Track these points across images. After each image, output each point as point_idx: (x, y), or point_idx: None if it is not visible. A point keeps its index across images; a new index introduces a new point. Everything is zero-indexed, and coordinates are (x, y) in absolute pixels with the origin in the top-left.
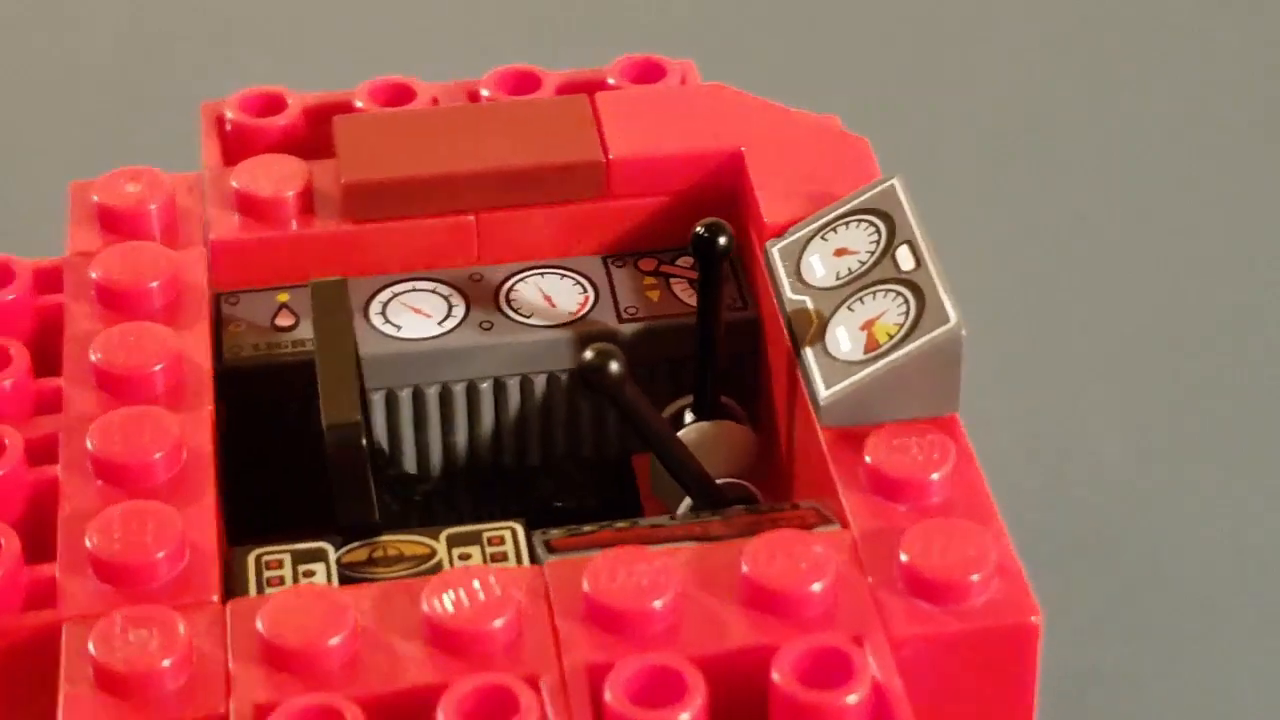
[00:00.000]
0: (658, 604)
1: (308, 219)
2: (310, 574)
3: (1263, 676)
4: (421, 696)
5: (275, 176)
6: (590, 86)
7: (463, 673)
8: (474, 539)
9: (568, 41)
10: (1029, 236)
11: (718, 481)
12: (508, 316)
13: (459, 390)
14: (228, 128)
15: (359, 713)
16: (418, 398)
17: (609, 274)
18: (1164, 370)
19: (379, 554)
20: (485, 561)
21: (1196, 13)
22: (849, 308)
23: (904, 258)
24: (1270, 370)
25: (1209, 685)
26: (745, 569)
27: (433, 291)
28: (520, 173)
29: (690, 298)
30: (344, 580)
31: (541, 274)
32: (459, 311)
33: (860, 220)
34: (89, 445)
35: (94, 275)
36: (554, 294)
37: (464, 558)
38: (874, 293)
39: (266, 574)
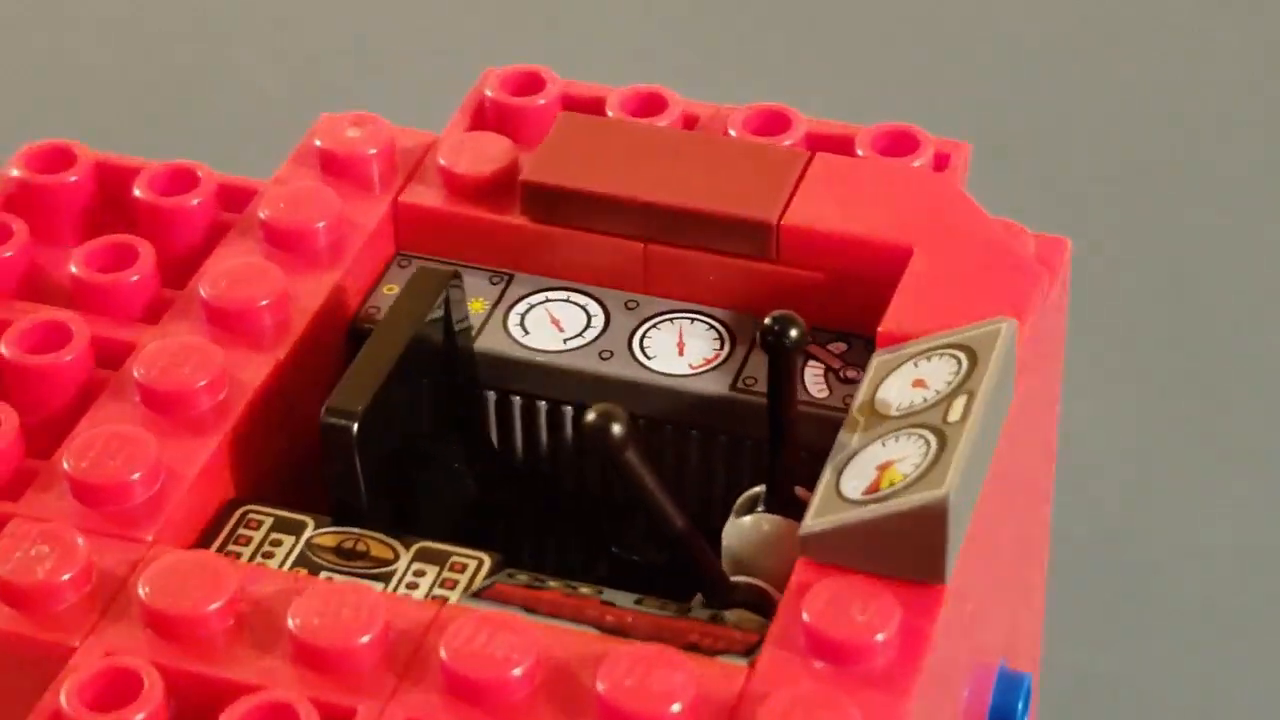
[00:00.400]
0: (504, 675)
1: (493, 204)
2: (277, 543)
3: (1263, 677)
4: (231, 690)
5: (478, 155)
6: (836, 144)
7: (281, 682)
8: (440, 559)
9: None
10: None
11: (740, 579)
12: (632, 351)
13: (567, 411)
14: (485, 104)
15: (158, 679)
16: (529, 408)
17: (754, 337)
18: (1167, 370)
19: (347, 544)
20: (435, 583)
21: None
22: (882, 442)
23: (956, 408)
24: (1271, 370)
25: (1208, 686)
26: (599, 682)
27: (581, 307)
28: (692, 214)
29: (819, 388)
30: (298, 561)
31: (691, 319)
32: (591, 334)
33: (952, 356)
34: (134, 370)
35: (262, 213)
36: (689, 341)
37: (418, 574)
38: (909, 434)
39: (239, 531)
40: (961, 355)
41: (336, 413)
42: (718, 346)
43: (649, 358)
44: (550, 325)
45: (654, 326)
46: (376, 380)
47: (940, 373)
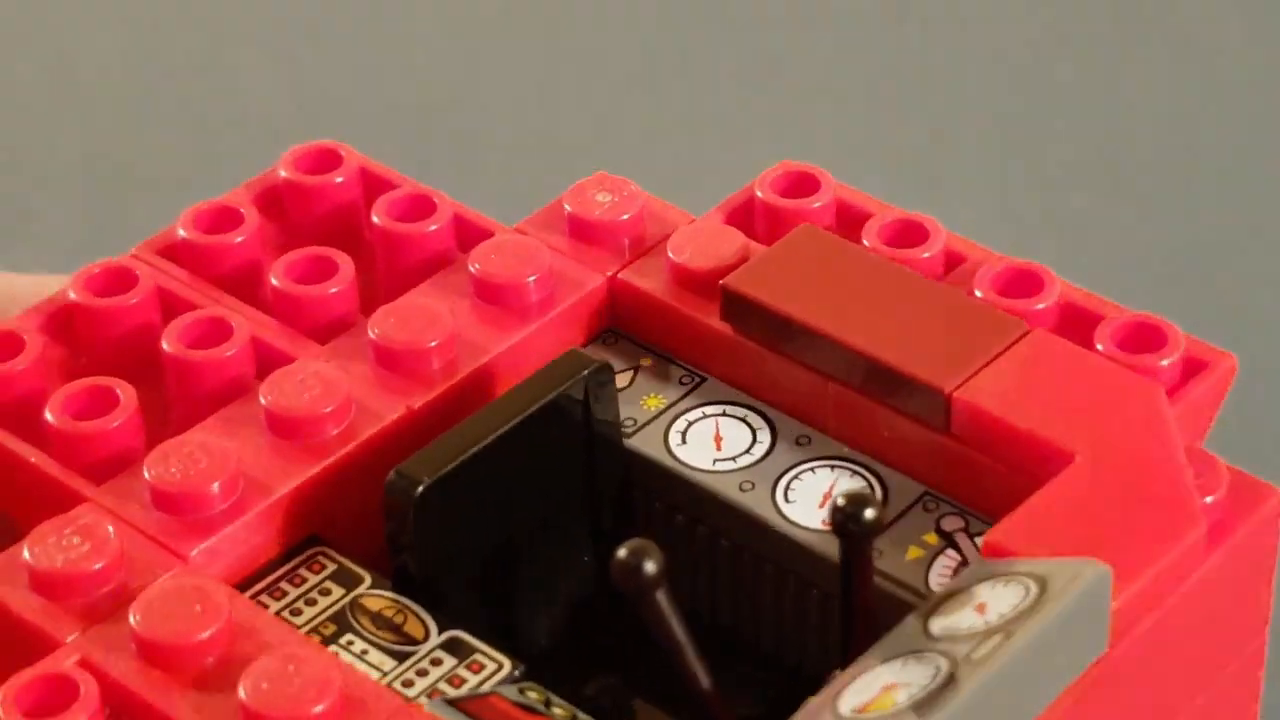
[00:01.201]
0: None
1: (702, 302)
2: (325, 592)
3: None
4: None
5: (705, 247)
6: (1079, 317)
7: None
8: (464, 653)
9: None
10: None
11: None
12: (774, 490)
13: (726, 547)
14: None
15: (94, 690)
16: (691, 530)
17: (910, 509)
18: None
19: (388, 612)
20: (444, 676)
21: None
22: (904, 661)
23: (987, 645)
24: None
25: None
26: None
27: (752, 429)
28: (875, 363)
29: (941, 582)
30: (332, 617)
31: (852, 471)
32: (745, 460)
33: (1022, 584)
34: (262, 386)
35: (473, 265)
36: (837, 494)
37: (435, 661)
38: (929, 659)
39: (299, 571)
40: (1033, 586)
41: (404, 476)
42: None
43: (787, 501)
44: (711, 440)
45: (809, 469)
46: (462, 452)
47: (1004, 600)
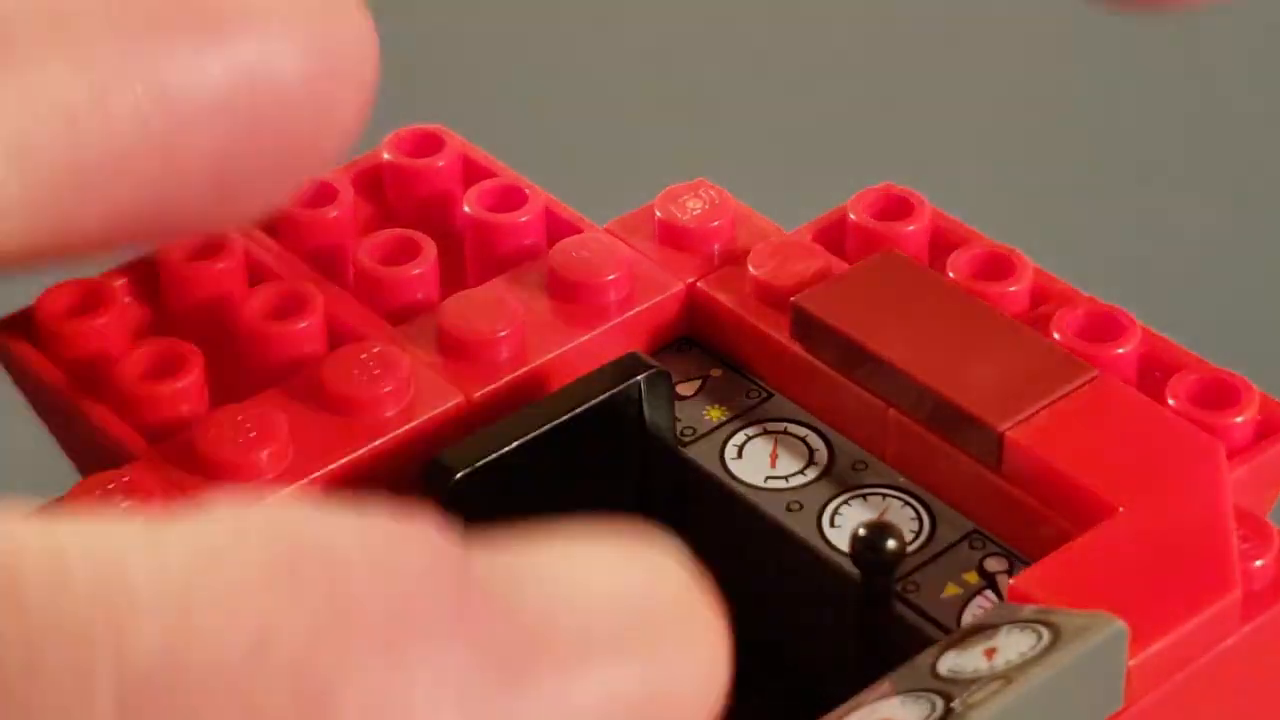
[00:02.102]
0: None
1: (775, 317)
2: None
3: None
4: None
5: (785, 262)
6: (1157, 365)
7: None
8: None
9: None
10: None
11: None
12: (820, 514)
13: (769, 565)
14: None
15: None
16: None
17: (955, 545)
18: None
19: None
20: None
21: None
22: (901, 700)
23: (985, 691)
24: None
25: None
26: None
27: (810, 450)
28: (933, 394)
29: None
30: None
31: (904, 502)
32: (797, 480)
33: (1036, 634)
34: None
35: (553, 262)
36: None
37: None
38: (926, 699)
39: None
40: (1045, 636)
41: (441, 464)
42: (910, 538)
43: (833, 526)
44: (766, 457)
45: (860, 496)
46: (504, 444)
47: (1014, 647)
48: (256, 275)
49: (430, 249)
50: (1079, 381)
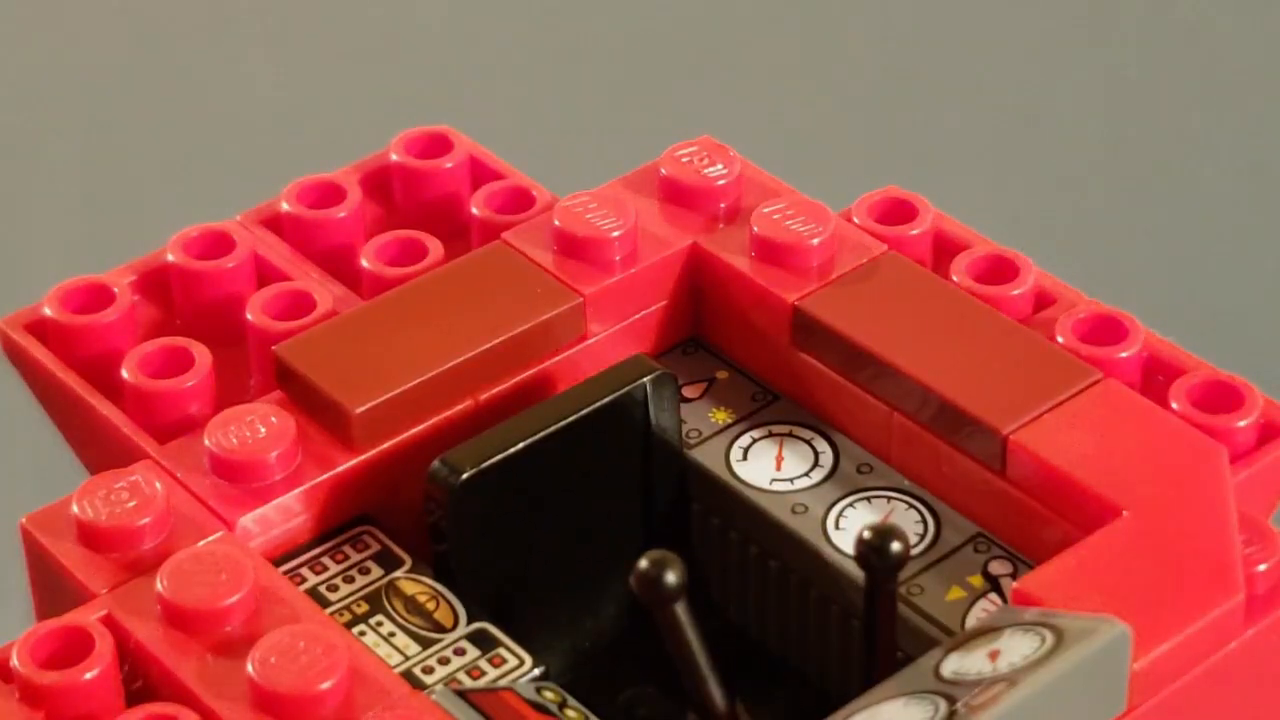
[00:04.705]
0: None
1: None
2: (365, 571)
3: None
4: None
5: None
6: (1160, 369)
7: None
8: (488, 645)
9: None
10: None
11: None
12: (825, 516)
13: (774, 568)
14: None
15: (109, 647)
16: (744, 548)
17: (959, 548)
18: None
19: (422, 598)
20: (465, 666)
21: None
22: (905, 702)
23: (989, 694)
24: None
25: None
26: None
27: (816, 453)
28: (935, 397)
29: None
30: (366, 597)
31: (908, 505)
32: (803, 483)
33: (1040, 637)
34: None
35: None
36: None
37: (459, 651)
38: (930, 701)
39: (343, 548)
40: (1049, 638)
41: (446, 465)
42: (915, 541)
43: (837, 528)
44: (771, 460)
45: (864, 499)
46: (510, 445)
47: (1018, 650)
48: (264, 275)
49: (437, 249)
50: (1083, 385)
